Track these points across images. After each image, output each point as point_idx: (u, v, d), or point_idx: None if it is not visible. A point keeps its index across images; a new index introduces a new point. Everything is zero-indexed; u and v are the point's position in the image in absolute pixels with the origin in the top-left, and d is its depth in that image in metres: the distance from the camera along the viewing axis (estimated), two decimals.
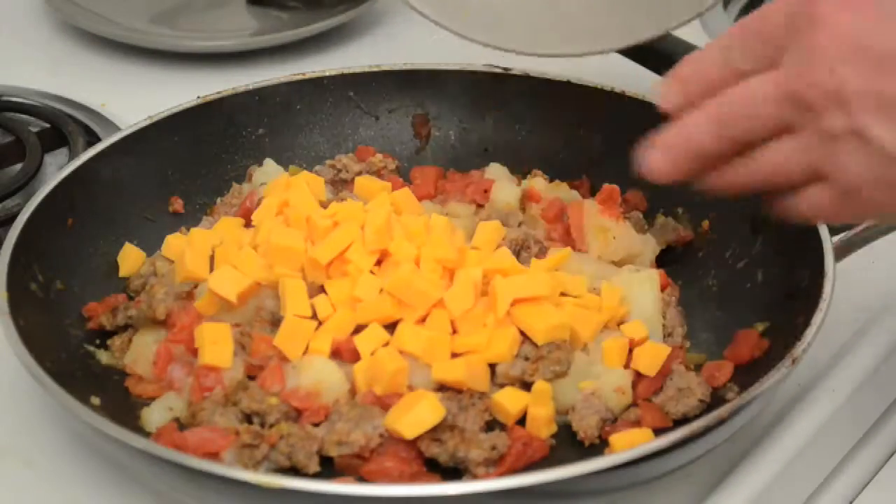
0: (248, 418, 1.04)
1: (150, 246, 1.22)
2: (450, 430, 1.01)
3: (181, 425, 1.04)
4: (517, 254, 1.18)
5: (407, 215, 1.17)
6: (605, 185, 1.24)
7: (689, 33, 1.79)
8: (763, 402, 0.99)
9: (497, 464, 1.01)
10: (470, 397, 1.04)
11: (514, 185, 1.30)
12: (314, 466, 1.00)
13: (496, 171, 1.32)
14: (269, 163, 1.31)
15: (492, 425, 1.05)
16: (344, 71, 1.37)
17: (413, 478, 1.00)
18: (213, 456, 0.99)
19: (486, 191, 1.27)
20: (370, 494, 0.89)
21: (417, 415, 0.99)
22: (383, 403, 1.02)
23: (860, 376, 1.12)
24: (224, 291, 1.09)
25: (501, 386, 1.07)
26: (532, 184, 1.28)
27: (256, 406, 1.03)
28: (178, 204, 1.29)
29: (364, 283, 1.09)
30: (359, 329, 1.08)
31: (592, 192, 1.30)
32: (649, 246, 1.23)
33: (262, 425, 1.03)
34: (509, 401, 1.05)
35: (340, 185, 1.31)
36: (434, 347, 1.05)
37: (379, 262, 1.12)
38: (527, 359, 1.07)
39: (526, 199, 1.26)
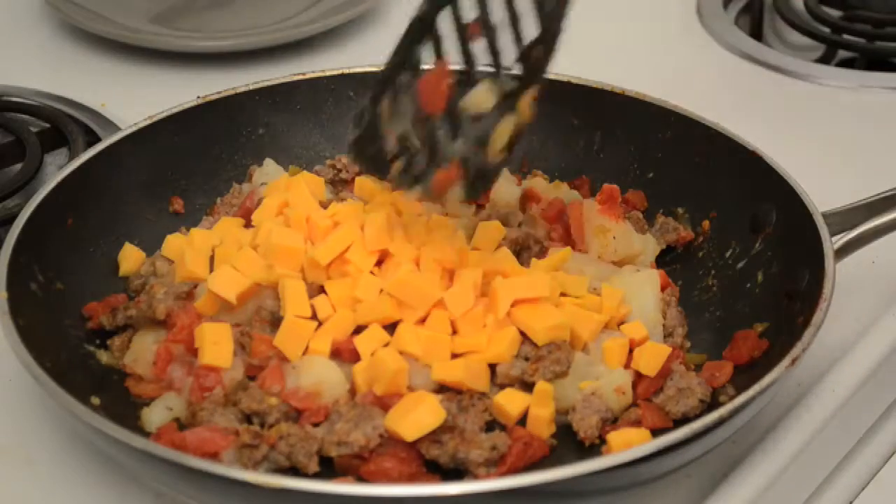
0: (247, 418, 1.04)
1: (150, 246, 1.22)
2: (450, 432, 1.01)
3: (181, 425, 1.04)
4: (517, 254, 1.18)
5: (407, 215, 1.17)
6: (606, 185, 1.24)
7: (689, 32, 1.80)
8: (763, 402, 0.99)
9: (498, 464, 1.01)
10: (470, 398, 1.04)
11: (514, 185, 1.30)
12: (314, 466, 1.00)
13: None
14: (269, 163, 1.31)
15: (492, 425, 1.05)
16: (344, 71, 1.37)
17: (412, 478, 1.00)
18: (213, 456, 0.99)
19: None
20: (370, 494, 0.89)
21: (418, 417, 0.99)
22: (383, 404, 1.02)
23: (860, 376, 1.12)
24: (223, 292, 1.09)
25: (502, 386, 1.07)
26: (532, 184, 1.28)
27: (256, 406, 1.03)
28: (178, 204, 1.29)
29: (364, 283, 1.09)
30: (359, 330, 1.08)
31: (592, 191, 1.30)
32: (649, 246, 1.23)
33: (262, 425, 1.03)
34: (510, 403, 1.05)
35: (340, 185, 1.31)
36: (434, 348, 1.05)
37: (379, 263, 1.12)
38: (527, 359, 1.07)
39: (526, 199, 1.26)
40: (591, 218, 1.21)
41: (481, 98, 1.09)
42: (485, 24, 1.09)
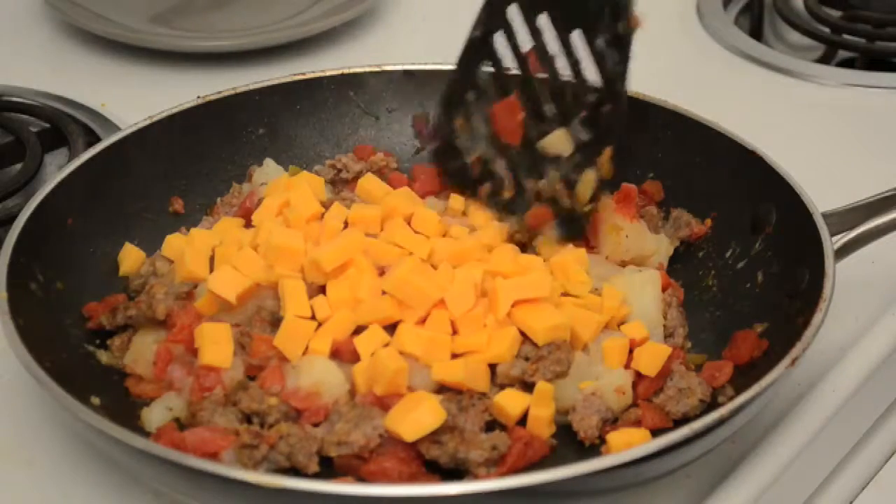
0: (247, 418, 1.04)
1: (150, 246, 1.22)
2: (450, 432, 1.01)
3: (181, 425, 1.04)
4: (523, 247, 1.18)
5: (422, 208, 1.17)
6: (624, 185, 1.24)
7: (689, 32, 1.80)
8: (763, 402, 0.99)
9: (498, 464, 1.01)
10: (470, 398, 1.04)
11: None
12: (314, 466, 1.00)
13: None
14: (269, 163, 1.31)
15: (492, 425, 1.05)
16: (344, 71, 1.37)
17: (412, 478, 1.00)
18: (213, 456, 0.99)
19: None
20: (370, 494, 0.89)
21: (418, 418, 0.99)
22: (383, 404, 1.02)
23: (860, 376, 1.12)
24: (223, 292, 1.09)
25: (502, 386, 1.07)
26: None
27: (256, 406, 1.03)
28: (178, 204, 1.29)
29: (365, 283, 1.08)
30: (359, 330, 1.08)
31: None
32: (662, 246, 1.22)
33: (262, 425, 1.03)
34: (510, 403, 1.04)
35: (341, 184, 1.31)
36: (434, 348, 1.05)
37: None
38: (527, 359, 1.07)
39: None
40: (605, 216, 1.21)
41: (559, 142, 1.14)
42: (542, 58, 1.14)
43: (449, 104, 1.19)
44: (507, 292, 1.07)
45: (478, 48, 1.17)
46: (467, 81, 1.18)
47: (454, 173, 1.22)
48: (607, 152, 1.12)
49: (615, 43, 1.11)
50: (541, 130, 1.16)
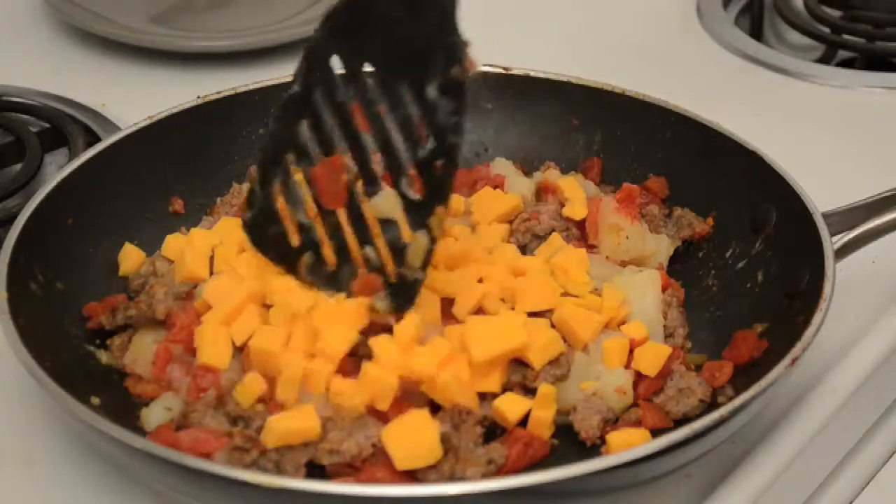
0: (235, 421, 1.03)
1: (150, 246, 1.22)
2: (444, 454, 0.98)
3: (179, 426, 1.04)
4: (524, 247, 1.19)
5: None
6: (626, 185, 1.24)
7: (689, 32, 1.80)
8: (763, 402, 0.99)
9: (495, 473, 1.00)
10: (459, 414, 1.02)
11: (525, 177, 1.29)
12: (300, 476, 0.98)
13: (502, 166, 1.31)
14: None
15: (492, 425, 1.05)
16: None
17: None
18: (206, 457, 0.98)
19: (496, 186, 1.26)
20: (370, 494, 0.89)
21: (414, 452, 0.97)
22: (381, 415, 1.01)
23: (860, 376, 1.12)
24: (218, 303, 1.08)
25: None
26: (546, 176, 1.28)
27: (241, 410, 1.02)
28: (178, 204, 1.29)
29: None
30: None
31: (602, 173, 1.30)
32: (663, 247, 1.22)
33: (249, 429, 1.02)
34: (510, 408, 1.04)
35: None
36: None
37: None
38: (527, 365, 1.07)
39: (542, 191, 1.26)
40: (606, 216, 1.21)
41: (387, 205, 1.04)
42: (371, 115, 1.04)
43: (265, 166, 1.08)
44: (479, 350, 1.03)
45: (297, 105, 1.06)
46: (286, 141, 1.07)
47: (272, 246, 1.09)
48: (439, 213, 1.02)
49: (448, 91, 0.99)
50: (367, 192, 1.05)
